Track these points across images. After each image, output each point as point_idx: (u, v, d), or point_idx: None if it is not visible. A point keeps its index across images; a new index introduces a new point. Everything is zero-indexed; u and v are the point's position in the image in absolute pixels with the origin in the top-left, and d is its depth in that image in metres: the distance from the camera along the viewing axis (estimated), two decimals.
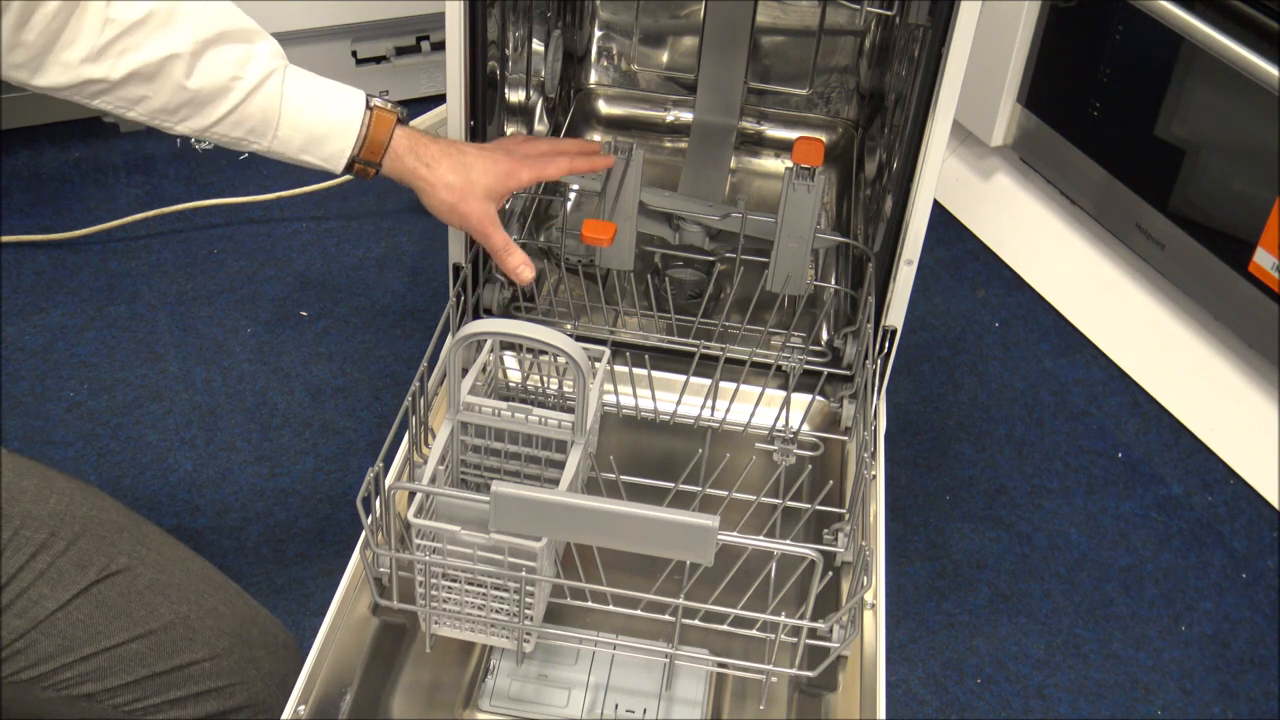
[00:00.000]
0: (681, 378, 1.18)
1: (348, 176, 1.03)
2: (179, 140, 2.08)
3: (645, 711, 0.94)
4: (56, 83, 0.91)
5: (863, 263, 1.26)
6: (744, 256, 1.21)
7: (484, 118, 1.15)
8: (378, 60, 2.10)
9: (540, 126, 1.45)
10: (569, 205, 1.42)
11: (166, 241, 1.89)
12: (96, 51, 0.90)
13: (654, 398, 1.18)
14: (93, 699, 0.93)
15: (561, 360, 0.99)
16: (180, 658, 0.95)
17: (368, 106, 1.01)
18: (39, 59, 0.90)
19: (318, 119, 0.99)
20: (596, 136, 1.55)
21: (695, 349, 1.19)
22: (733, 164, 1.50)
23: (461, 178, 1.05)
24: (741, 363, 1.17)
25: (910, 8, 1.09)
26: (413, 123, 1.77)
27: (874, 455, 1.11)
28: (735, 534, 0.85)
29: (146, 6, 0.90)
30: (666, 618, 0.89)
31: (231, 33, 0.94)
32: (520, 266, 1.08)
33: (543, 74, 1.42)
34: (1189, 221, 1.65)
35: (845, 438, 1.18)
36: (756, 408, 1.17)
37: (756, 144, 1.54)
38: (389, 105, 1.03)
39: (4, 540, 0.91)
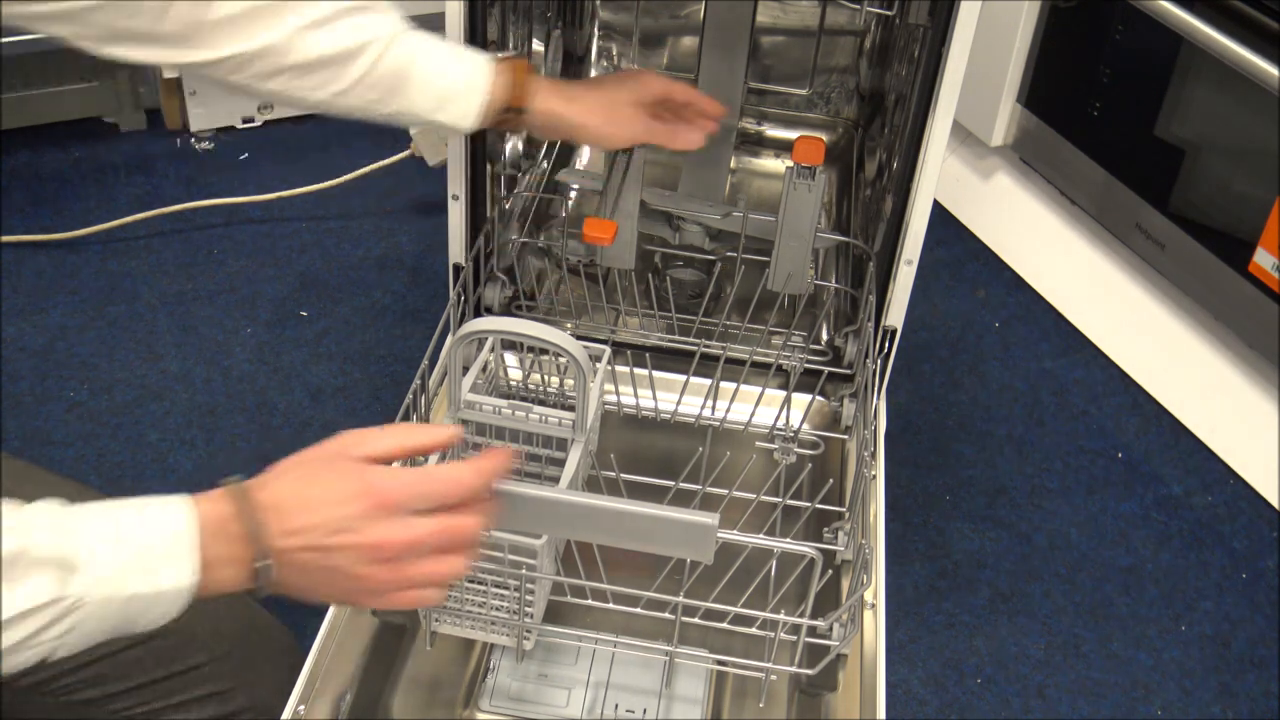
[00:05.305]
0: (682, 377, 1.18)
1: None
2: (179, 140, 2.08)
3: (645, 710, 0.94)
4: (217, 52, 0.89)
5: (863, 262, 1.26)
6: (744, 256, 1.21)
7: None
8: None
9: None
10: (569, 205, 1.42)
11: (166, 241, 1.89)
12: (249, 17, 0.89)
13: (654, 397, 1.18)
14: (93, 705, 0.92)
15: (562, 359, 0.99)
16: (180, 663, 0.94)
17: (494, 59, 1.01)
18: (187, 33, 0.88)
19: (447, 77, 0.98)
20: None
21: (696, 348, 1.19)
22: (733, 164, 1.50)
23: (604, 98, 1.06)
24: (742, 362, 1.17)
25: (910, 8, 1.09)
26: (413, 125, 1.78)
27: (874, 455, 1.11)
28: (735, 532, 0.86)
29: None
30: (666, 616, 0.89)
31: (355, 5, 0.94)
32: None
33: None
34: (1189, 221, 1.65)
35: (845, 437, 1.18)
36: (757, 407, 1.17)
37: (756, 144, 1.54)
38: (512, 54, 1.02)
39: None
